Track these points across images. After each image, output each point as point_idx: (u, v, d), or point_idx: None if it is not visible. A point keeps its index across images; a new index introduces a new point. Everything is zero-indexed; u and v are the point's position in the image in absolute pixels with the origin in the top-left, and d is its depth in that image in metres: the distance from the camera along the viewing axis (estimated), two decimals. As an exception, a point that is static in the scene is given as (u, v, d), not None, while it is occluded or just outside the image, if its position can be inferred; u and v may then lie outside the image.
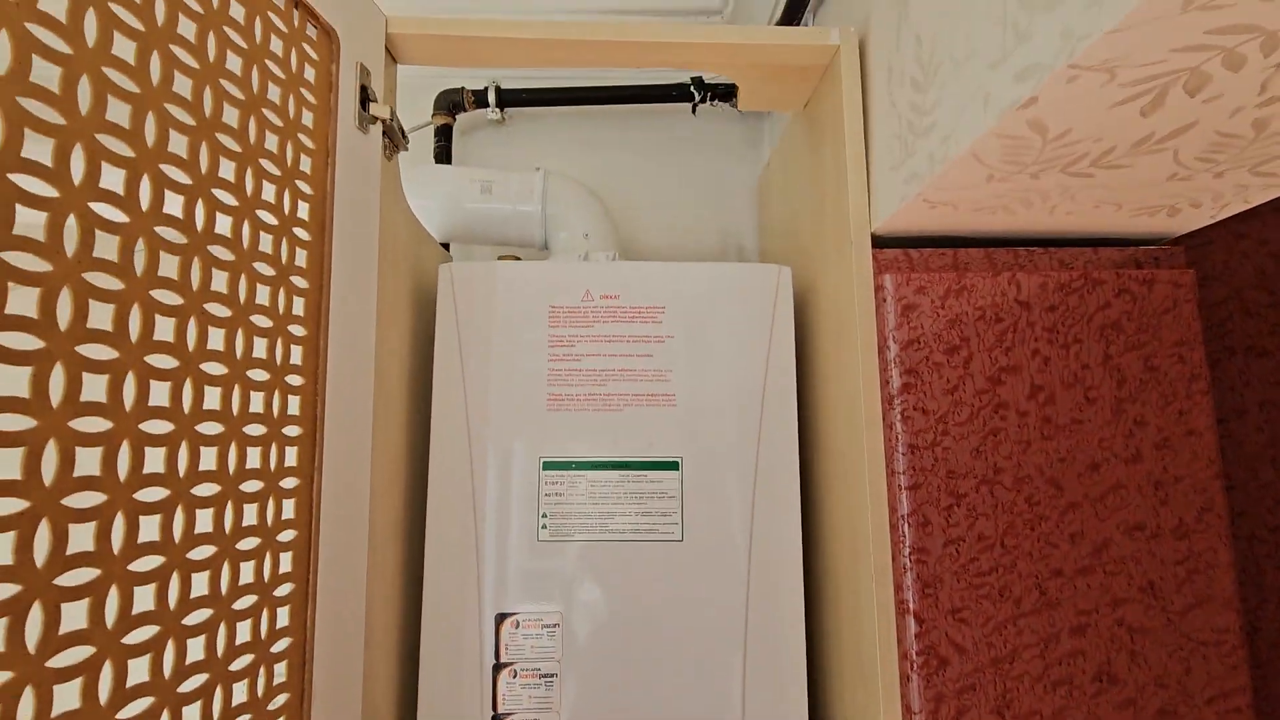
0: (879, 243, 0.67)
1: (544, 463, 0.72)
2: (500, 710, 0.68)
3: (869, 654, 0.61)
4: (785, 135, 0.92)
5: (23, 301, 0.32)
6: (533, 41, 0.68)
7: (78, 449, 0.35)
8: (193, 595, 0.42)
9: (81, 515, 0.35)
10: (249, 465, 0.47)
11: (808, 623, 0.75)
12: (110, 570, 0.36)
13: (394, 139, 0.68)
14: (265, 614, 0.48)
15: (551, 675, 0.69)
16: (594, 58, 0.70)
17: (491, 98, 1.04)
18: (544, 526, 0.71)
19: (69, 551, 0.34)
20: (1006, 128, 0.45)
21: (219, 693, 0.43)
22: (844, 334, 0.67)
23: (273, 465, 0.49)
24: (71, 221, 0.35)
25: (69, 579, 0.34)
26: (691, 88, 1.04)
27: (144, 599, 0.39)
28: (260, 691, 0.47)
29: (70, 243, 0.35)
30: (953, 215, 0.61)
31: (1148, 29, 0.35)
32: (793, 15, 0.84)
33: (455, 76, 1.06)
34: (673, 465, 0.72)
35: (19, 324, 0.32)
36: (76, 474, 0.34)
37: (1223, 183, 0.54)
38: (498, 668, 0.69)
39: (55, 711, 0.33)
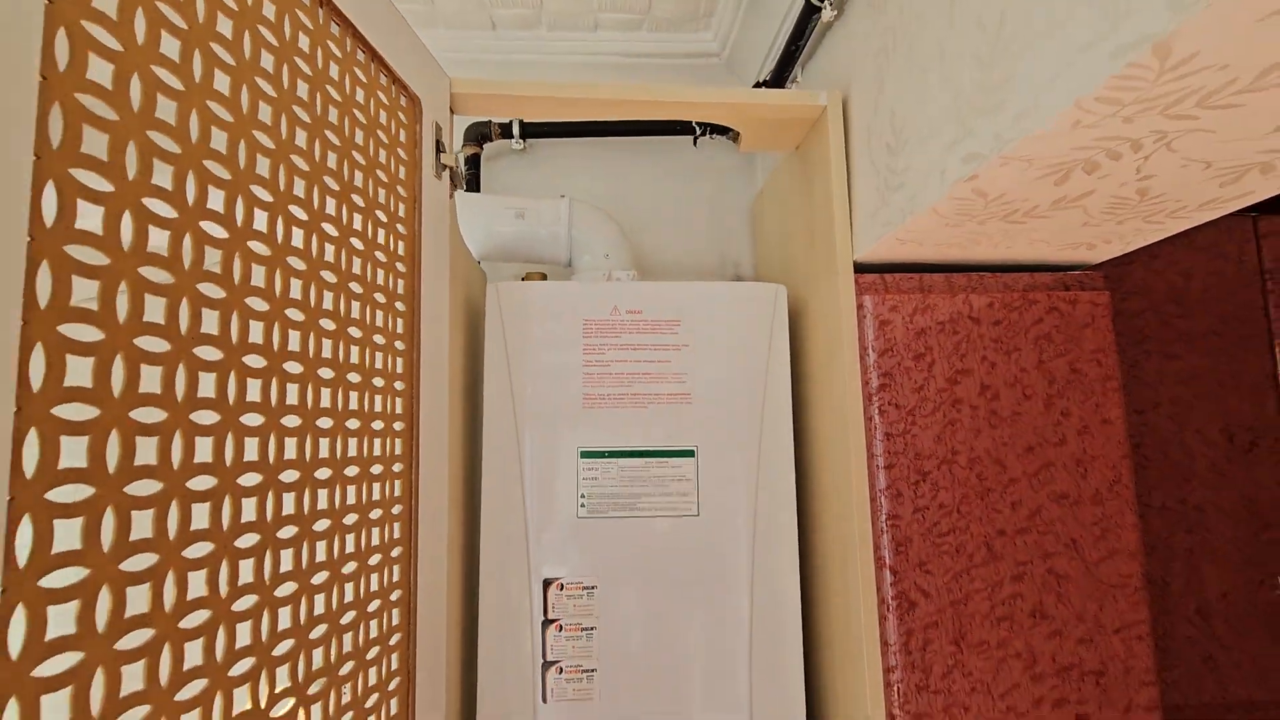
0: (859, 269, 0.82)
1: (582, 452, 0.86)
2: (549, 658, 0.82)
3: (854, 600, 0.76)
4: (778, 170, 1.06)
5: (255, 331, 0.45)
6: (571, 100, 0.82)
7: (246, 439, 0.47)
8: (347, 550, 0.55)
9: (245, 491, 0.48)
10: (375, 453, 0.60)
11: (802, 577, 0.90)
12: (266, 537, 0.49)
13: (456, 181, 0.81)
14: (388, 570, 0.61)
15: (591, 629, 0.83)
16: (622, 111, 0.84)
17: (516, 130, 1.17)
18: (583, 505, 0.85)
19: (195, 526, 0.47)
20: (957, 193, 0.60)
21: (362, 628, 0.56)
22: (832, 344, 0.82)
23: (389, 452, 0.62)
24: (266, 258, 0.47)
25: (193, 551, 0.45)
26: (693, 123, 1.18)
27: (319, 550, 0.51)
28: (379, 633, 0.60)
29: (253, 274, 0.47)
30: (918, 250, 0.76)
31: (1052, 138, 0.50)
32: (784, 67, 0.98)
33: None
34: (689, 453, 0.87)
35: (255, 349, 0.45)
36: (247, 459, 0.47)
37: (1124, 228, 0.70)
38: (546, 623, 0.83)
39: (123, 692, 0.33)
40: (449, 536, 0.80)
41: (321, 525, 0.52)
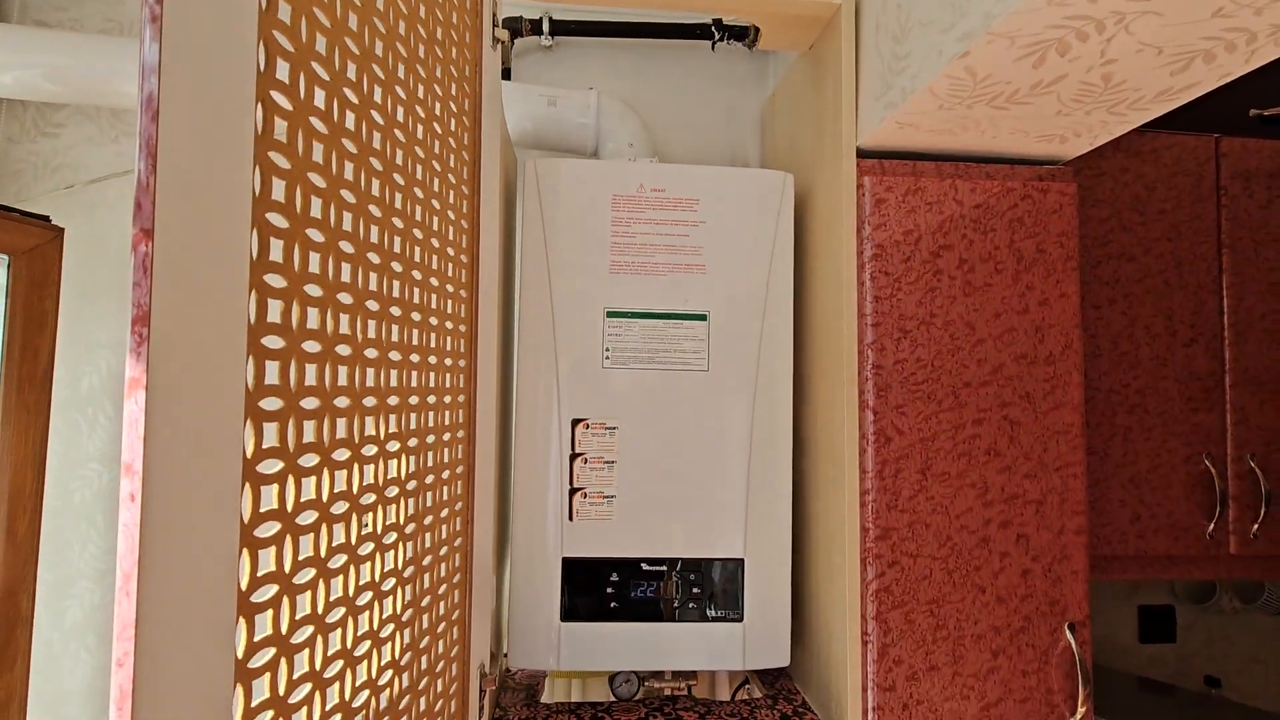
0: (861, 154, 0.93)
1: (608, 312, 0.97)
2: (575, 485, 0.96)
3: (837, 436, 0.90)
4: (791, 71, 1.15)
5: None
6: (613, -14, 0.90)
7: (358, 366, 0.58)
8: (428, 464, 0.66)
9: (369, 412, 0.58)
10: (444, 342, 0.71)
11: (795, 420, 1.04)
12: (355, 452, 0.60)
13: (505, 55, 0.90)
14: (458, 445, 0.73)
15: (612, 462, 0.96)
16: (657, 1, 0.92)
17: (545, 25, 1.24)
18: (607, 357, 0.97)
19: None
20: (951, 71, 0.71)
21: (443, 489, 0.68)
22: (833, 220, 0.93)
23: (456, 323, 0.73)
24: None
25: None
26: (713, 28, 1.26)
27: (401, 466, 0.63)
28: (450, 495, 0.72)
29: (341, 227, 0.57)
30: (914, 134, 0.87)
31: (1029, 14, 0.60)
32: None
33: (513, 7, 1.24)
34: (702, 317, 0.98)
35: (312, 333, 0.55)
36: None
37: (1092, 119, 0.81)
38: (573, 457, 0.96)
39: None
40: (491, 387, 0.92)
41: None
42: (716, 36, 1.27)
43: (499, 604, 0.96)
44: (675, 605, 0.96)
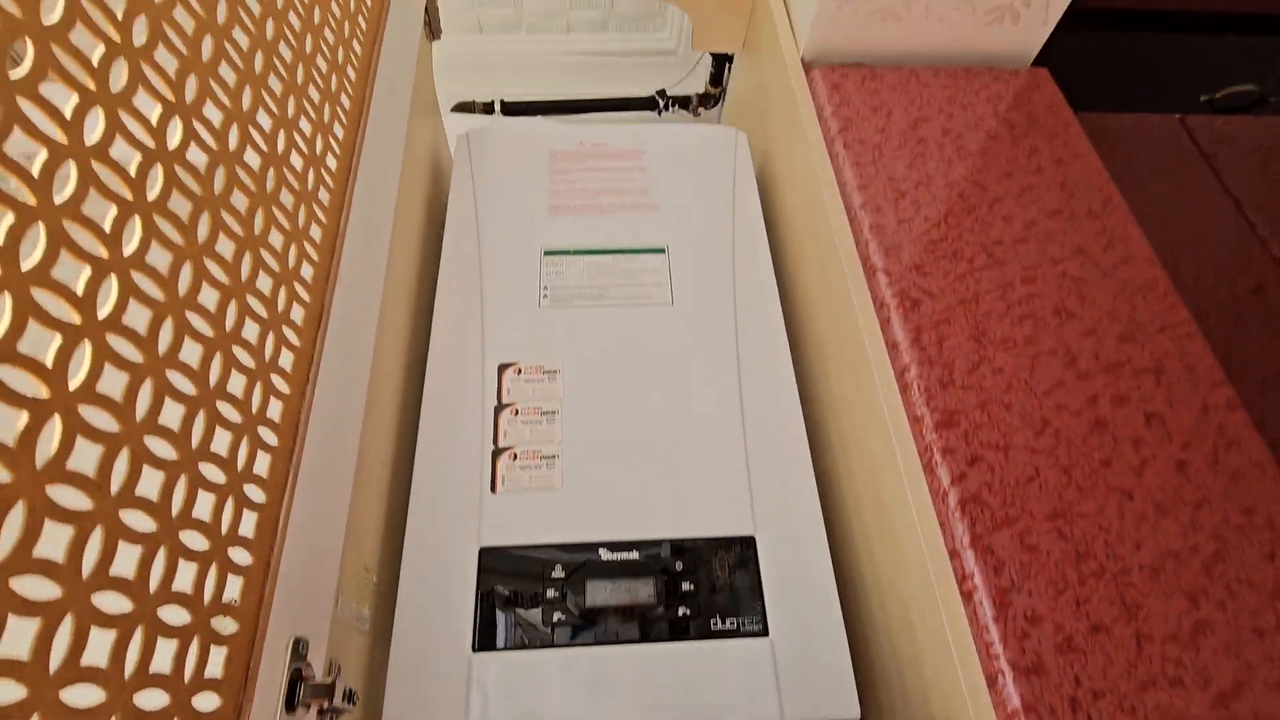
0: (807, 66, 0.87)
1: (546, 250, 0.81)
2: (500, 445, 0.68)
3: (847, 309, 0.67)
4: (732, 90, 1.17)
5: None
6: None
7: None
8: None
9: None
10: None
11: (790, 330, 0.78)
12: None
13: (432, 24, 0.90)
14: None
15: (552, 412, 0.70)
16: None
17: (497, 107, 1.30)
18: (545, 296, 0.78)
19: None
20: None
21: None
22: (789, 118, 0.83)
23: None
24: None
25: None
26: (657, 97, 1.32)
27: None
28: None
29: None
30: (855, 21, 0.82)
31: None
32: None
33: (468, 91, 1.32)
34: (659, 250, 0.82)
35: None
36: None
37: (1033, -35, 0.77)
38: (499, 409, 0.70)
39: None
40: (400, 320, 0.72)
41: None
42: (661, 105, 1.32)
43: (375, 619, 0.60)
44: (658, 615, 0.60)
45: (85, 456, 0.31)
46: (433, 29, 0.90)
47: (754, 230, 0.84)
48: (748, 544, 0.64)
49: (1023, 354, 0.62)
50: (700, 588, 0.62)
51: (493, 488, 0.66)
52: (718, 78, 1.31)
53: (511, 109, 1.31)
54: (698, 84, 1.35)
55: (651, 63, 1.39)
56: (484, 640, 0.58)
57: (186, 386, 0.39)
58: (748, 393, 0.72)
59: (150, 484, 0.35)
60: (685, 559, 0.63)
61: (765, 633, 0.60)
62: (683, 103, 1.33)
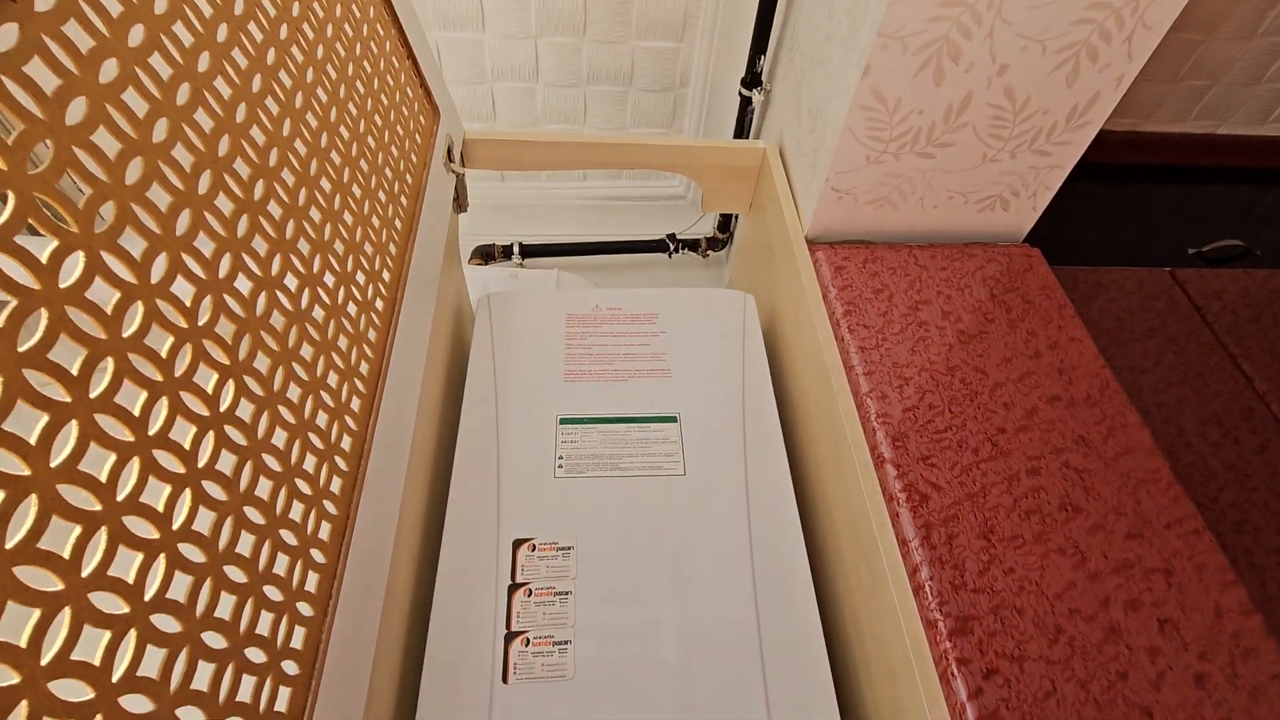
0: (811, 243, 0.92)
1: (561, 419, 0.84)
2: (514, 629, 0.68)
3: (858, 501, 0.68)
4: (739, 238, 1.23)
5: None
6: (558, 144, 1.02)
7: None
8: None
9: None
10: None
11: (801, 510, 0.79)
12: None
13: (460, 198, 0.96)
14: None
15: (566, 593, 0.70)
16: (601, 155, 1.04)
17: (515, 250, 1.37)
18: (560, 466, 0.80)
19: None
20: (860, 100, 0.75)
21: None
22: (797, 298, 0.88)
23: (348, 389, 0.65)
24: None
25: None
26: (667, 240, 1.39)
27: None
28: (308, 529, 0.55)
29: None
30: (854, 208, 0.88)
31: (904, 6, 0.67)
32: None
33: (486, 235, 1.40)
34: (672, 419, 0.84)
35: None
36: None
37: (1019, 164, 0.83)
38: (513, 588, 0.71)
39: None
40: (416, 502, 0.74)
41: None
42: (671, 248, 1.39)
43: None
44: (670, 825, 0.59)
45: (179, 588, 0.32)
46: (460, 204, 0.97)
47: (764, 397, 0.87)
48: (762, 742, 0.63)
49: (1032, 552, 0.63)
50: (714, 796, 0.60)
51: (504, 677, 0.65)
52: (725, 225, 1.38)
53: (530, 251, 1.38)
54: (707, 228, 1.43)
55: (663, 206, 1.47)
56: None
57: (244, 554, 0.40)
58: (760, 574, 0.72)
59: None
60: (699, 761, 0.61)
61: None
62: (692, 245, 1.40)
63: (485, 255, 1.36)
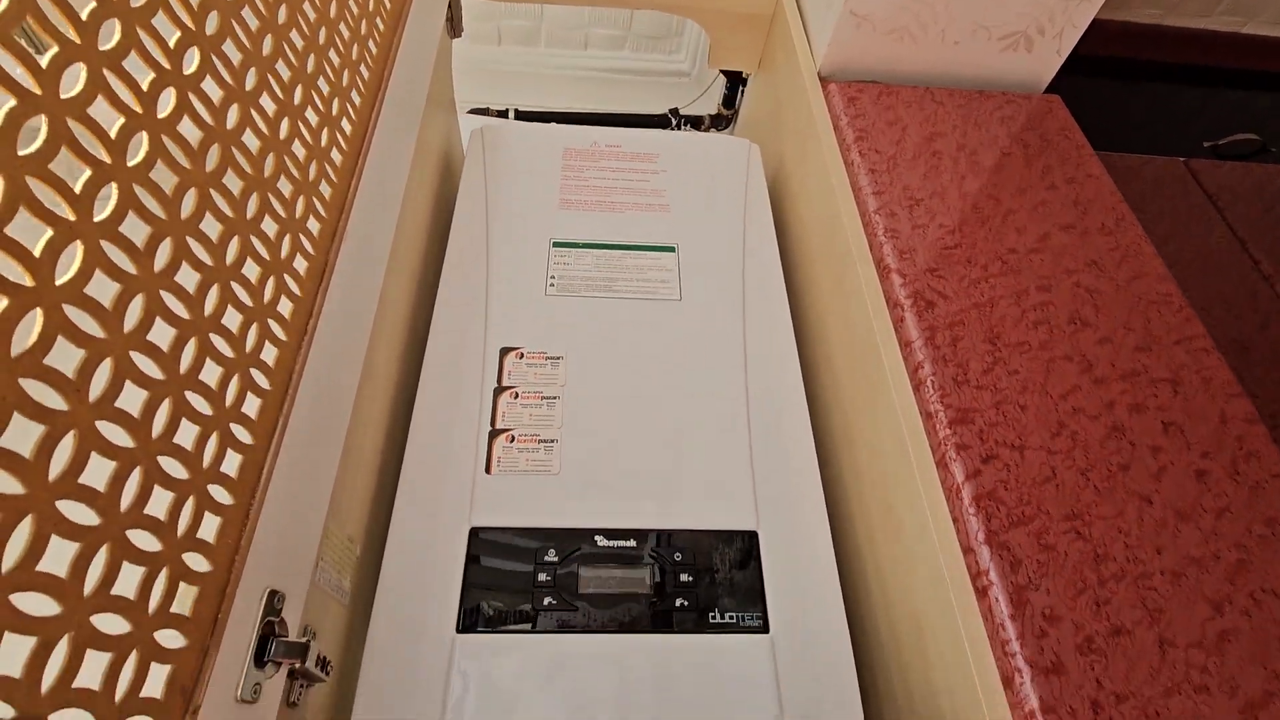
0: (823, 80, 0.88)
1: (554, 242, 0.80)
2: (498, 426, 0.66)
3: (859, 312, 0.66)
4: (744, 113, 1.19)
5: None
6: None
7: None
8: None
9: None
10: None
11: (800, 333, 0.77)
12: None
13: (455, 20, 0.91)
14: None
15: (553, 398, 0.68)
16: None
17: (511, 115, 1.31)
18: (552, 284, 0.77)
19: None
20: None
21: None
22: (804, 129, 0.84)
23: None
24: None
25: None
26: (669, 115, 1.34)
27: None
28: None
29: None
30: (871, 38, 0.83)
31: None
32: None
33: (484, 99, 1.34)
34: (670, 249, 0.81)
35: None
36: None
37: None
38: (499, 390, 0.68)
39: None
40: (403, 299, 0.71)
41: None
42: (673, 123, 1.34)
43: (356, 595, 0.56)
44: (654, 605, 0.57)
45: (66, 358, 0.29)
46: (454, 26, 0.91)
47: (765, 236, 0.83)
48: (750, 538, 0.61)
49: (1037, 358, 0.61)
50: (699, 580, 0.59)
51: (487, 469, 0.63)
52: (730, 100, 1.33)
53: (525, 117, 1.32)
54: (710, 105, 1.37)
55: (666, 83, 1.41)
56: (468, 622, 0.55)
57: (180, 309, 0.37)
58: (754, 389, 0.70)
59: (132, 400, 0.33)
60: (684, 550, 0.60)
61: (765, 629, 0.57)
62: (695, 122, 1.35)
63: (479, 114, 1.30)
